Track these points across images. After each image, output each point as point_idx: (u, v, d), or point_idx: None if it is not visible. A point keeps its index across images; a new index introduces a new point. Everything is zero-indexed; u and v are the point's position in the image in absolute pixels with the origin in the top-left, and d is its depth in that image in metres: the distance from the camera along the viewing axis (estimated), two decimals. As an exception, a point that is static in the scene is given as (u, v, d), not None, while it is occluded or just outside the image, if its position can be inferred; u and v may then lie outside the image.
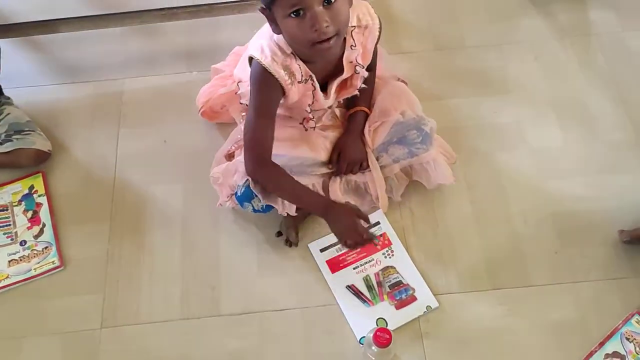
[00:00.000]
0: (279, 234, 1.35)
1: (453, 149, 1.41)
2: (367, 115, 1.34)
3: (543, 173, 1.43)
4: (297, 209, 1.27)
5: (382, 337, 1.06)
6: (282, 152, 1.25)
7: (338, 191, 1.33)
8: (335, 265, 1.32)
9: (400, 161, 1.31)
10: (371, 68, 1.30)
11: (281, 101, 1.21)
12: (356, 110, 1.34)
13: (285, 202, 1.23)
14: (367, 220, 1.22)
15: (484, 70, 1.61)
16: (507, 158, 1.45)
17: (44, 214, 1.39)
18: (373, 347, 1.10)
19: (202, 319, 1.27)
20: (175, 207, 1.41)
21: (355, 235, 1.17)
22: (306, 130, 1.30)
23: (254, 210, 1.28)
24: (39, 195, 1.41)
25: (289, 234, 1.32)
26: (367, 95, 1.34)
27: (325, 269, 1.32)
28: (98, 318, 1.27)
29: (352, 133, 1.33)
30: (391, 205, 1.37)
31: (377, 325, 1.22)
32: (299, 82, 1.18)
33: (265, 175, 1.21)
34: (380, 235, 1.34)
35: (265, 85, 1.17)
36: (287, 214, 1.27)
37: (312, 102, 1.24)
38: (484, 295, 1.29)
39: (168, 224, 1.39)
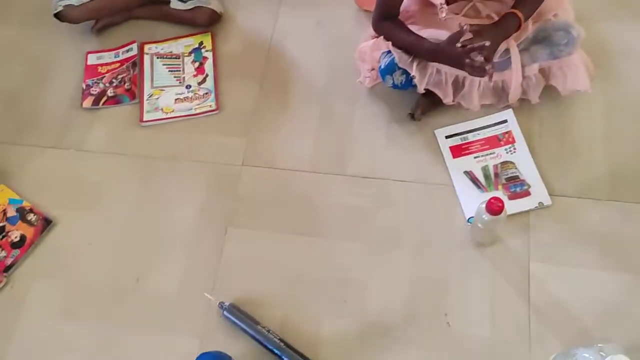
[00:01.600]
0: (411, 115, 1.45)
1: (595, 67, 1.42)
2: (519, 22, 1.27)
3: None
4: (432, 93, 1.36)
5: (496, 204, 1.13)
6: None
7: (474, 93, 1.38)
8: (457, 151, 1.40)
9: (539, 61, 1.34)
10: None
11: None
12: (510, 12, 1.29)
13: (419, 74, 1.31)
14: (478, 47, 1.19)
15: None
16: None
17: (208, 66, 1.59)
18: (484, 215, 1.17)
19: (329, 174, 1.42)
20: (319, 79, 1.56)
21: (471, 61, 1.19)
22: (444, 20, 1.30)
23: (394, 85, 1.38)
24: (206, 51, 1.62)
25: (416, 112, 1.42)
26: (529, 5, 1.30)
27: (447, 154, 1.41)
28: (240, 157, 1.47)
29: (494, 26, 1.29)
30: (522, 108, 1.42)
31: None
32: None
33: (386, 27, 1.33)
34: (506, 132, 1.40)
35: None
36: (422, 94, 1.37)
37: None
38: (599, 203, 1.31)
39: (311, 92, 1.54)
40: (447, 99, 1.36)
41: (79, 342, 1.28)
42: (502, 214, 1.16)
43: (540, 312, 1.22)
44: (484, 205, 1.18)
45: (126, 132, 1.53)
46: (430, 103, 1.42)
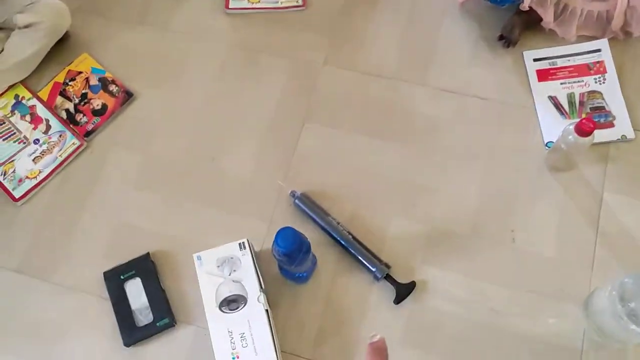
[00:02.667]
0: (501, 37, 1.42)
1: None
2: None
3: None
4: (528, 12, 1.33)
5: (587, 124, 1.12)
6: None
7: (575, 22, 1.34)
8: (544, 75, 1.38)
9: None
10: None
11: None
12: None
13: None
14: None
15: None
16: None
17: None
18: (571, 136, 1.17)
19: (409, 83, 1.42)
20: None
21: None
22: None
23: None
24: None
25: (512, 32, 1.39)
26: None
27: (533, 76, 1.38)
28: (322, 56, 1.46)
29: None
30: (618, 41, 1.38)
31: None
32: None
33: None
34: (597, 62, 1.37)
35: None
36: (516, 13, 1.34)
37: None
38: (684, 143, 1.30)
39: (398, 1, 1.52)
40: (548, 19, 1.33)
41: (151, 209, 1.33)
42: (590, 137, 1.15)
43: (607, 240, 1.23)
44: (572, 127, 1.17)
45: (211, 17, 1.53)
46: (523, 23, 1.39)
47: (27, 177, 1.37)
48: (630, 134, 1.30)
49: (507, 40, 1.40)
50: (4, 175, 1.37)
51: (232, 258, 1.16)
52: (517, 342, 1.17)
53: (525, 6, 1.30)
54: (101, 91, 1.45)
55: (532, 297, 1.20)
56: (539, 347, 1.16)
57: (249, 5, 1.51)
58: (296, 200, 1.28)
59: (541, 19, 1.37)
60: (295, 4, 1.51)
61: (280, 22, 1.51)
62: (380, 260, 1.22)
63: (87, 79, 1.46)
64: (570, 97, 1.35)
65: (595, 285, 1.18)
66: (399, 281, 1.20)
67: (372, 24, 1.49)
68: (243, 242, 1.17)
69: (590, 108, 1.34)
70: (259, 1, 1.52)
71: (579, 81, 1.36)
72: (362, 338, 1.19)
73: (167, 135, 1.40)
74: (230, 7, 1.52)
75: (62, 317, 1.25)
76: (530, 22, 1.39)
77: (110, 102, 1.43)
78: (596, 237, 1.23)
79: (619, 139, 1.30)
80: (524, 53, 1.41)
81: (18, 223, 1.34)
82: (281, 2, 1.51)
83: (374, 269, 1.21)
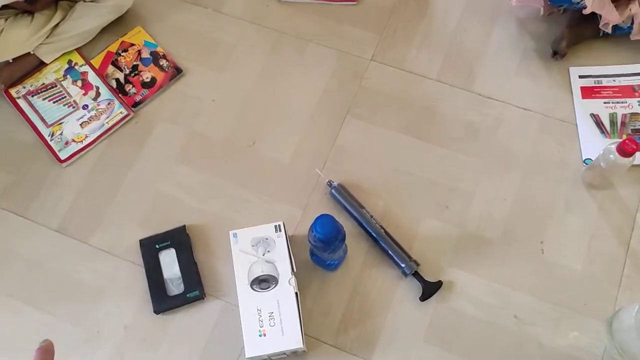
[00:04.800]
0: (554, 53, 1.43)
1: None
2: None
3: None
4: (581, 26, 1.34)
5: (630, 145, 1.14)
6: None
7: None
8: (588, 93, 1.39)
9: None
10: None
11: None
12: None
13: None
14: None
15: None
16: None
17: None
18: (612, 155, 1.18)
19: (454, 87, 1.43)
20: (463, -7, 1.55)
21: None
22: None
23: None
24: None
25: (560, 44, 1.40)
26: None
27: (577, 92, 1.40)
28: (370, 51, 1.48)
29: None
30: (665, 65, 1.40)
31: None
32: None
33: None
34: (644, 85, 1.39)
35: None
36: (567, 26, 1.36)
37: None
38: None
39: (452, 2, 1.53)
40: (613, 18, 1.32)
41: (189, 183, 1.36)
42: (631, 158, 1.17)
43: (637, 261, 1.24)
44: (613, 146, 1.18)
45: (264, 3, 1.55)
46: (573, 37, 1.40)
47: (73, 140, 1.41)
48: (670, 159, 1.31)
49: (555, 52, 1.42)
50: (52, 136, 1.42)
51: (266, 239, 1.19)
52: (536, 351, 1.18)
53: (588, 10, 1.30)
54: (152, 64, 1.48)
55: (556, 308, 1.21)
56: (558, 358, 1.18)
57: (303, -5, 1.55)
58: (332, 190, 1.31)
59: (592, 35, 1.38)
60: (348, -2, 1.54)
61: (331, 15, 1.53)
62: (410, 257, 1.24)
63: (139, 52, 1.50)
64: (613, 117, 1.36)
65: (620, 304, 1.19)
66: (427, 279, 1.23)
67: (422, 26, 1.51)
68: (279, 225, 1.20)
69: (631, 129, 1.34)
70: (312, -7, 1.55)
71: (622, 102, 1.37)
72: (385, 330, 1.22)
73: (212, 114, 1.44)
74: (284, -5, 1.55)
75: (97, 279, 1.29)
76: (580, 37, 1.40)
77: (160, 76, 1.47)
78: (626, 256, 1.25)
79: (658, 163, 1.31)
80: (570, 69, 1.42)
81: (61, 184, 1.38)
82: (334, -4, 1.54)
83: (403, 265, 1.23)
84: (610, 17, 1.33)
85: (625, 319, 1.10)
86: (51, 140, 1.41)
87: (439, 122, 1.40)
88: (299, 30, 1.52)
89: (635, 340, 1.05)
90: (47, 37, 1.45)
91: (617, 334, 1.12)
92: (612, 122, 1.36)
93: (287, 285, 1.15)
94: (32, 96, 1.46)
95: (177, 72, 1.47)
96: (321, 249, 1.13)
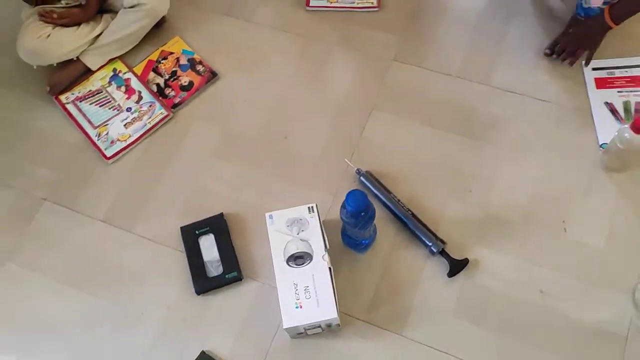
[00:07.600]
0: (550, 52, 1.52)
1: None
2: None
3: None
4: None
5: (643, 122, 1.20)
6: None
7: None
8: (602, 83, 1.46)
9: None
10: None
11: None
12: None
13: None
14: None
15: None
16: None
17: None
18: (627, 134, 1.24)
19: (473, 82, 1.52)
20: None
21: None
22: None
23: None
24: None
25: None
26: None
27: (590, 83, 1.47)
28: (393, 52, 1.58)
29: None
30: (675, 55, 1.47)
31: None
32: None
33: None
34: (655, 74, 1.45)
35: None
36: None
37: None
38: None
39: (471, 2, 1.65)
40: None
41: (226, 176, 1.45)
42: (644, 136, 1.23)
43: (657, 238, 1.29)
44: (627, 125, 1.24)
45: (292, 12, 1.68)
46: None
47: (118, 140, 1.52)
48: (684, 141, 1.36)
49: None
50: (99, 136, 1.53)
51: (300, 219, 1.26)
52: (562, 324, 1.22)
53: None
54: (189, 70, 1.60)
55: (580, 283, 1.26)
56: (584, 331, 1.21)
57: (328, 4, 1.66)
58: (361, 177, 1.39)
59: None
60: (370, 4, 1.64)
61: (355, 21, 1.64)
62: (436, 236, 1.30)
63: (177, 59, 1.62)
64: (627, 105, 1.43)
65: (643, 276, 1.23)
66: (453, 257, 1.28)
67: (441, 27, 1.61)
68: (312, 206, 1.27)
69: (645, 116, 1.41)
70: (337, 1, 1.66)
71: (635, 91, 1.44)
72: (414, 306, 1.27)
73: (245, 113, 1.54)
74: (310, 5, 1.67)
75: (141, 265, 1.37)
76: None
77: (197, 79, 1.58)
78: (646, 234, 1.29)
79: (673, 145, 1.36)
80: (583, 62, 1.50)
81: (107, 179, 1.48)
82: (357, 3, 1.65)
83: (430, 244, 1.29)
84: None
85: (647, 287, 1.14)
86: (98, 139, 1.52)
87: (460, 113, 1.48)
88: (325, 35, 1.63)
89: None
90: (91, 44, 1.58)
91: (640, 303, 1.16)
92: (627, 110, 1.42)
93: (321, 261, 1.21)
94: (80, 101, 1.58)
95: (212, 75, 1.59)
96: (352, 224, 1.19)
